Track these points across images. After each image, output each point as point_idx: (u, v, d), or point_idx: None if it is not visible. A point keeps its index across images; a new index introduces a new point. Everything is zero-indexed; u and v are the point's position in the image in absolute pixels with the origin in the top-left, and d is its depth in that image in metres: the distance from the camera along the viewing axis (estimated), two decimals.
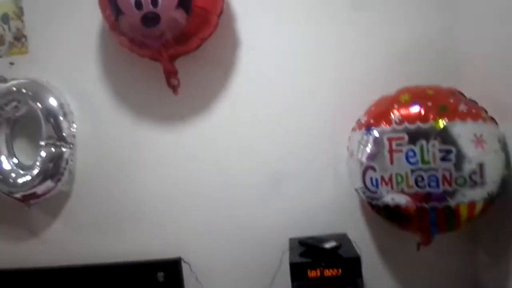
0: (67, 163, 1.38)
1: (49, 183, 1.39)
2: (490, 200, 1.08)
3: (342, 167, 1.24)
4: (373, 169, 1.12)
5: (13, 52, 1.47)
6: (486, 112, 1.09)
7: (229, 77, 1.34)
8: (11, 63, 1.46)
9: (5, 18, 1.46)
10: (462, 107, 1.06)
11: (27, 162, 1.42)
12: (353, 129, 1.20)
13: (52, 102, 1.37)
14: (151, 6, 1.16)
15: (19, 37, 1.46)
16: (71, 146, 1.38)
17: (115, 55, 1.38)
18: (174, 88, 1.31)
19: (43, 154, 1.36)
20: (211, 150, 1.37)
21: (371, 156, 1.12)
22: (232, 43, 1.33)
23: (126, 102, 1.40)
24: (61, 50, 1.43)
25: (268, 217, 1.37)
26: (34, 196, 1.41)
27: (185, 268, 1.38)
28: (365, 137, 1.14)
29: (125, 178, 1.41)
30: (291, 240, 1.29)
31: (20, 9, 1.45)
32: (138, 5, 1.16)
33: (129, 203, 1.41)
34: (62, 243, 1.46)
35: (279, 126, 1.33)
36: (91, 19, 1.37)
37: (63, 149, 1.37)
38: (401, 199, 1.10)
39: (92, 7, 1.28)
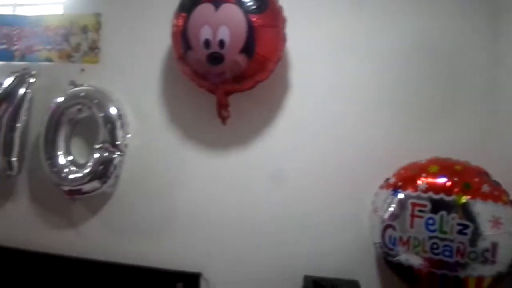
0: (115, 168, 1.52)
1: (95, 184, 1.53)
2: (499, 278, 1.15)
3: (365, 218, 1.33)
4: (393, 228, 1.21)
5: (85, 60, 1.63)
6: (508, 195, 1.17)
7: (275, 117, 1.46)
8: (82, 70, 1.62)
9: (85, 29, 1.63)
10: (486, 188, 1.14)
11: (80, 160, 1.57)
12: (381, 187, 1.30)
13: (113, 111, 1.52)
14: (218, 47, 1.29)
15: (93, 48, 1.62)
16: (122, 153, 1.52)
17: (175, 80, 1.52)
18: (224, 119, 1.44)
19: (96, 156, 1.51)
20: (247, 179, 1.48)
21: (393, 216, 1.21)
22: (283, 88, 1.45)
23: (178, 124, 1.53)
24: (129, 66, 1.59)
25: (288, 250, 1.45)
26: (79, 192, 1.56)
27: (203, 285, 1.49)
28: (390, 197, 1.23)
29: (164, 192, 1.54)
30: (306, 277, 1.38)
31: (99, 23, 1.61)
32: (207, 45, 1.30)
33: (164, 214, 1.54)
34: (97, 238, 1.60)
35: (313, 169, 1.43)
36: (160, 45, 1.53)
37: (115, 155, 1.51)
38: (415, 261, 1.19)
39: (164, 35, 1.43)
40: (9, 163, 1.59)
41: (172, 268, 1.50)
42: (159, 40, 1.53)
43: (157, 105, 1.55)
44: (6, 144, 1.59)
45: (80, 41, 1.63)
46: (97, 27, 1.62)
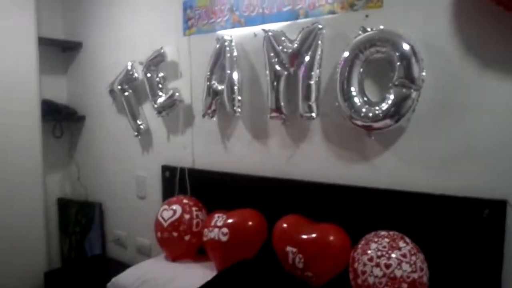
0: (412, 103, 1.61)
1: (388, 121, 1.65)
2: None
3: None
4: None
5: (368, 6, 1.75)
6: None
7: None
8: (366, 16, 1.75)
9: None
10: None
11: (373, 99, 1.72)
12: None
13: (406, 47, 1.60)
14: None
15: None
16: (419, 88, 1.60)
17: (469, 9, 1.52)
18: None
19: (391, 95, 1.62)
20: None
21: None
22: None
23: (475, 53, 1.53)
24: (414, 4, 1.64)
25: None
26: (370, 128, 1.72)
27: (509, 212, 1.50)
28: None
29: (462, 123, 1.57)
30: None
31: None
32: None
33: (463, 144, 1.58)
34: (391, 170, 1.74)
35: None
36: None
37: (412, 91, 1.60)
38: None
39: None
40: (309, 107, 1.85)
41: (474, 196, 1.55)
42: None
43: (450, 37, 1.57)
44: (305, 91, 1.85)
45: None
46: None
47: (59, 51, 3.20)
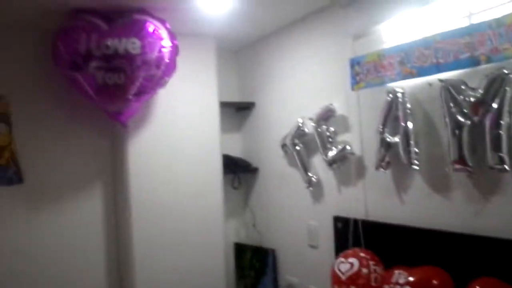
0: None
1: None
2: None
3: None
4: None
5: None
6: None
7: None
8: None
9: None
10: None
11: None
12: None
13: None
14: None
15: None
16: None
17: None
18: None
19: None
20: None
21: None
22: None
23: None
24: None
25: None
26: None
27: None
28: None
29: None
30: None
31: None
32: None
33: None
34: None
35: None
36: None
37: None
38: None
39: None
40: (500, 158, 1.70)
41: None
42: None
43: None
44: (494, 141, 1.72)
45: None
46: None
47: (234, 111, 3.61)
